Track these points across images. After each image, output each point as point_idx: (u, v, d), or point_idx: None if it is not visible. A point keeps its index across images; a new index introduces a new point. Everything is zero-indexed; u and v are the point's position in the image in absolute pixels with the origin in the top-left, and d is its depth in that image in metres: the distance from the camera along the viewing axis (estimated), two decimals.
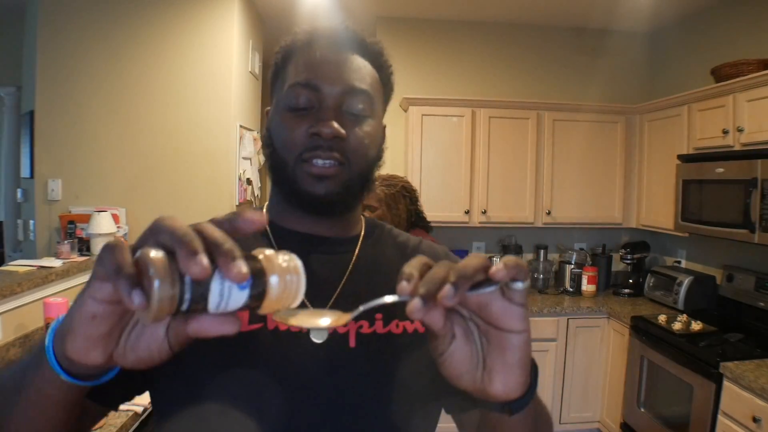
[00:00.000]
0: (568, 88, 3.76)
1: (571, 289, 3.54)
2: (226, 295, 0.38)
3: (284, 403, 0.61)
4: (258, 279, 0.39)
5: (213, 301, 0.38)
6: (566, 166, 3.46)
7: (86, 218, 2.79)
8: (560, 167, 3.46)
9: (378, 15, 3.65)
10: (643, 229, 3.48)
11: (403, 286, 0.42)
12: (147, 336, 0.41)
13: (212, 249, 0.37)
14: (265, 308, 0.41)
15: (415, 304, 0.41)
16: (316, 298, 0.65)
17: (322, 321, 0.46)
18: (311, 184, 0.65)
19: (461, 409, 0.69)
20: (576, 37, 3.77)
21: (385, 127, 0.76)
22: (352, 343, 0.65)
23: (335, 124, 0.64)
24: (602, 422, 3.26)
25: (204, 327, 0.39)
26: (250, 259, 0.40)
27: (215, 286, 0.37)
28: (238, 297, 0.39)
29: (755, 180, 2.34)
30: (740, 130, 2.53)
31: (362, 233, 0.76)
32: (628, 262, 3.59)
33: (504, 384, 0.45)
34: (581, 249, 3.76)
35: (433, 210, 3.36)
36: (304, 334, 0.64)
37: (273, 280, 0.40)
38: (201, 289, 0.37)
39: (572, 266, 3.56)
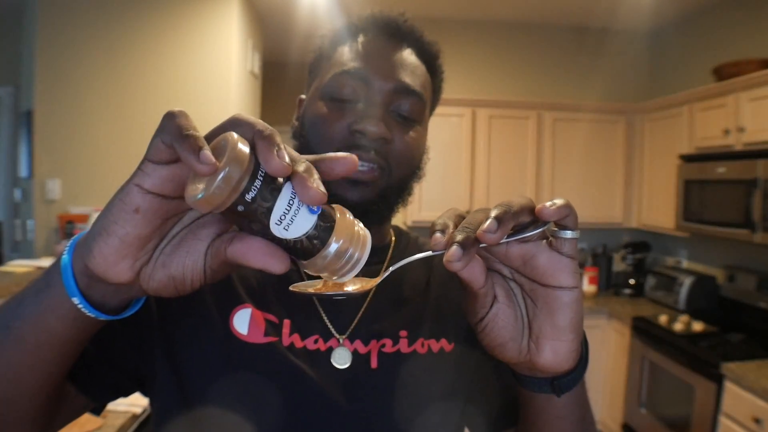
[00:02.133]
0: (568, 88, 3.75)
1: None
2: (294, 210, 0.33)
3: (297, 424, 0.55)
4: (327, 224, 0.34)
5: (278, 209, 0.33)
6: (567, 166, 3.46)
7: (85, 218, 2.78)
8: (561, 167, 3.45)
9: None
10: (643, 229, 3.47)
11: (437, 237, 0.37)
12: (184, 249, 0.36)
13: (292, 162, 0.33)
14: (313, 264, 0.35)
15: (454, 251, 0.35)
16: (341, 312, 0.61)
17: (347, 288, 0.41)
18: (345, 189, 0.58)
19: (490, 430, 0.64)
20: (576, 36, 3.76)
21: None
22: (374, 363, 0.59)
23: (382, 123, 0.58)
24: (603, 423, 3.25)
25: (249, 251, 0.34)
26: (327, 210, 0.35)
27: (286, 193, 0.33)
28: (306, 219, 0.33)
29: (756, 180, 2.33)
30: (741, 130, 2.52)
31: (392, 243, 0.70)
32: (629, 262, 3.59)
33: (554, 352, 0.40)
34: (582, 249, 3.75)
35: (433, 210, 3.35)
36: (322, 352, 0.58)
37: (341, 235, 0.35)
38: (271, 186, 0.32)
39: None
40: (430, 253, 0.38)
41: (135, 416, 1.54)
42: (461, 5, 3.49)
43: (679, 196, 2.89)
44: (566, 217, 0.37)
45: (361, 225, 0.37)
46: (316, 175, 0.34)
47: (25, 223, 3.09)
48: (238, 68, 3.12)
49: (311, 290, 0.40)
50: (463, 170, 3.40)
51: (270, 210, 0.33)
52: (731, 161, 2.52)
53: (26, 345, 0.41)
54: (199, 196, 0.31)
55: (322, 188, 0.33)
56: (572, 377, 0.43)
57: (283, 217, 0.33)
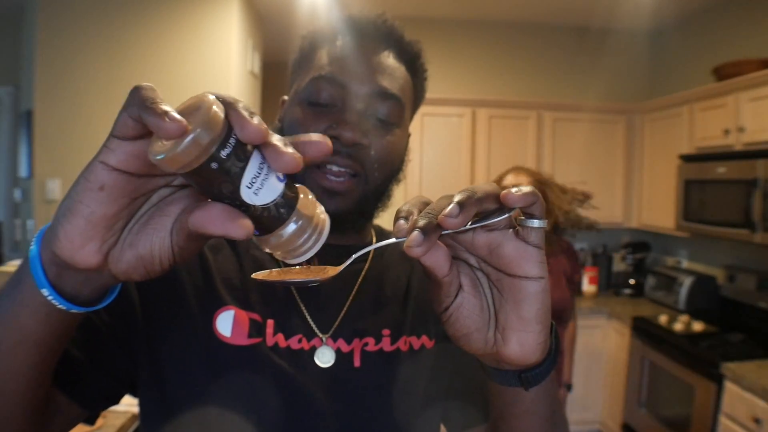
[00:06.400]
0: (568, 88, 3.74)
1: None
2: (264, 174, 0.32)
3: (282, 424, 0.56)
4: (293, 194, 0.34)
5: (250, 171, 0.32)
6: (567, 166, 3.45)
7: None
8: (561, 167, 3.45)
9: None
10: (643, 229, 3.47)
11: (401, 224, 0.36)
12: (151, 227, 0.34)
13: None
14: (276, 237, 0.35)
15: (414, 236, 0.34)
16: (324, 312, 0.61)
17: (309, 279, 0.40)
18: (320, 200, 0.59)
19: (465, 426, 0.65)
20: (576, 36, 3.76)
21: (409, 136, 0.69)
22: (356, 362, 0.59)
23: (356, 129, 0.58)
24: (603, 423, 3.25)
25: (209, 218, 0.32)
26: (291, 185, 0.35)
27: (255, 159, 0.32)
28: (274, 186, 0.33)
29: (756, 180, 2.33)
30: (741, 130, 2.52)
31: (374, 242, 0.69)
32: (629, 262, 3.58)
33: (520, 343, 0.39)
34: (582, 249, 3.75)
35: None
36: (306, 351, 0.59)
37: (305, 210, 0.35)
38: (244, 149, 0.32)
39: None
40: (393, 240, 0.38)
41: (135, 416, 1.54)
42: (462, 5, 3.49)
43: (679, 196, 2.89)
44: (532, 205, 0.37)
45: (323, 209, 0.37)
46: (289, 144, 0.34)
47: (25, 223, 3.09)
48: (238, 68, 3.12)
49: (275, 274, 0.40)
50: (463, 170, 3.39)
51: (243, 170, 0.32)
52: (731, 161, 2.52)
53: (2, 345, 0.39)
54: (165, 154, 0.30)
55: (297, 154, 0.33)
56: (540, 370, 0.42)
57: (254, 180, 0.32)
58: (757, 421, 2.04)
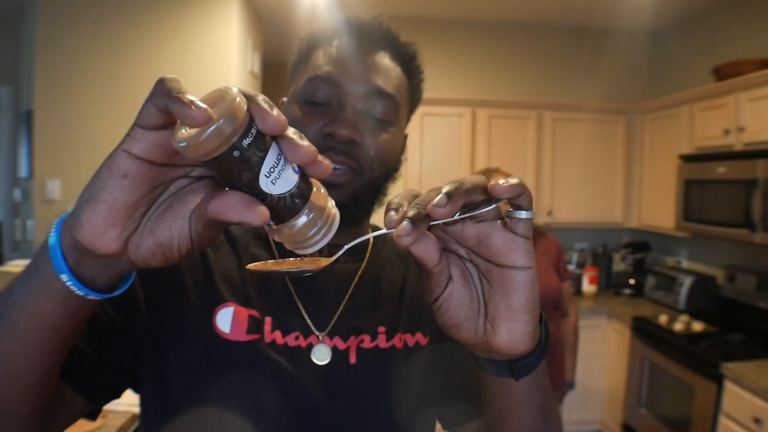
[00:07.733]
0: (568, 88, 3.74)
1: (572, 290, 3.53)
2: (282, 165, 0.34)
3: (279, 420, 0.57)
4: (306, 185, 0.36)
5: (269, 161, 0.34)
6: (567, 166, 3.45)
7: None
8: (561, 167, 3.45)
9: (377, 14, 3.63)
10: (643, 229, 3.47)
11: (391, 216, 0.37)
12: (170, 215, 0.36)
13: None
14: (280, 230, 0.36)
15: (404, 226, 0.35)
16: (320, 309, 0.62)
17: (303, 269, 0.42)
18: None
19: (459, 421, 0.66)
20: (576, 36, 3.76)
21: (406, 136, 0.71)
22: (352, 359, 0.61)
23: (352, 127, 0.59)
24: (603, 423, 3.25)
25: (227, 205, 0.34)
26: (305, 177, 0.37)
27: (274, 148, 0.34)
28: (290, 176, 0.35)
29: (756, 180, 2.33)
30: (741, 130, 2.52)
31: (370, 241, 0.71)
32: (629, 262, 3.58)
33: (510, 332, 0.40)
34: (582, 249, 3.75)
35: None
36: (303, 349, 0.60)
37: (318, 201, 0.36)
38: (263, 140, 0.33)
39: (573, 266, 3.55)
40: (383, 230, 0.38)
41: (135, 416, 1.54)
42: (461, 5, 3.49)
43: (679, 196, 2.89)
44: (520, 197, 0.38)
45: (334, 203, 0.39)
46: (305, 137, 0.35)
47: (25, 223, 3.09)
48: (238, 68, 3.12)
49: (270, 265, 0.41)
50: (463, 170, 3.39)
51: (263, 160, 0.33)
52: (731, 161, 2.52)
53: (19, 333, 0.40)
54: (188, 142, 0.31)
55: (313, 147, 0.35)
56: (530, 360, 0.43)
57: (272, 170, 0.34)
58: (757, 421, 2.04)
